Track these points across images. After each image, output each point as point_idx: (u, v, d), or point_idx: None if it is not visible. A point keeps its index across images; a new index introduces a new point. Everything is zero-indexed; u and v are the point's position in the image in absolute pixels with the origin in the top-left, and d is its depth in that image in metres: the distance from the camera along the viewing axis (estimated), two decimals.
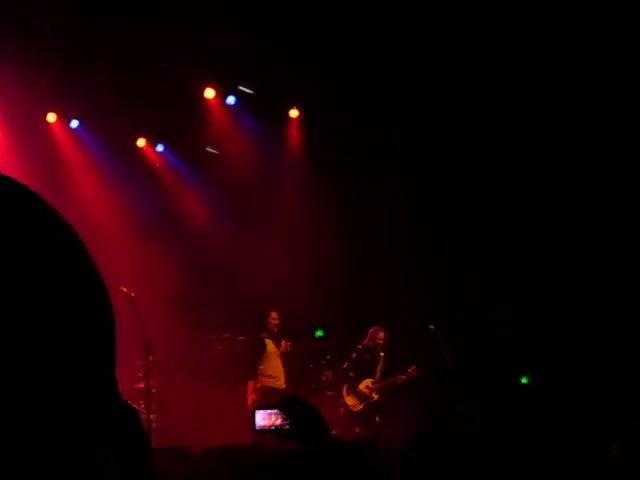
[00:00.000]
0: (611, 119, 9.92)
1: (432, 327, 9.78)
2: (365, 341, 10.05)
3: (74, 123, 11.70)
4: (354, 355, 10.01)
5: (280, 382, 10.08)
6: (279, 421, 2.70)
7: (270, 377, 10.07)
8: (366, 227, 11.58)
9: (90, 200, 11.70)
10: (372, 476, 2.62)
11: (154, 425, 9.44)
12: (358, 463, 2.54)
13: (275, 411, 2.69)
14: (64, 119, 11.63)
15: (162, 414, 10.10)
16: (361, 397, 9.88)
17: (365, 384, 9.92)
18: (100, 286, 0.90)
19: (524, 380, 10.58)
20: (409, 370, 9.89)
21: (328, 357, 11.27)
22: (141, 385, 9.81)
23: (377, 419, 9.72)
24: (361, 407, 9.83)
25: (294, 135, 12.56)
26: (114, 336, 0.88)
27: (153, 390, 9.67)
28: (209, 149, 12.56)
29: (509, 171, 10.63)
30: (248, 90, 11.69)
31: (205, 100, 11.93)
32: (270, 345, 10.24)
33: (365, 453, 2.64)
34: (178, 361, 11.22)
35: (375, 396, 9.90)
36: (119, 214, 11.83)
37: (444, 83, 10.38)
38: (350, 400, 9.87)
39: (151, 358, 9.63)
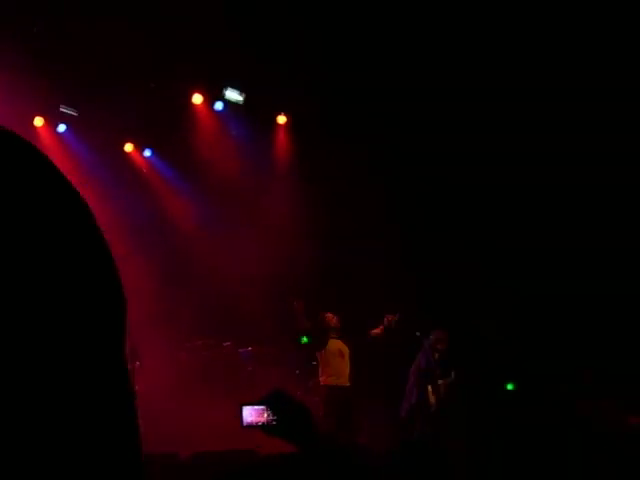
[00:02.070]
0: (607, 126, 9.97)
1: (418, 334, 9.79)
2: (434, 340, 9.84)
3: (61, 127, 11.67)
4: (437, 355, 9.82)
5: (344, 380, 10.02)
6: (267, 417, 2.69)
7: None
8: (354, 233, 11.59)
9: None
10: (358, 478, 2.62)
11: (141, 430, 9.39)
12: (345, 464, 2.55)
13: (262, 407, 2.68)
14: (51, 124, 11.60)
15: (148, 419, 10.04)
16: (438, 398, 9.75)
17: (441, 384, 9.81)
18: (109, 260, 0.84)
19: (510, 386, 10.60)
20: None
21: (314, 363, 11.27)
22: None
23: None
24: (436, 408, 9.72)
25: (282, 141, 12.58)
26: (124, 316, 0.83)
27: (139, 395, 9.64)
28: (195, 154, 12.52)
29: (500, 176, 10.69)
30: (236, 97, 11.68)
31: (193, 105, 11.93)
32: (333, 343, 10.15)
33: (353, 456, 2.65)
34: (164, 366, 11.19)
35: (444, 397, 9.80)
36: (106, 219, 11.79)
37: (432, 89, 10.41)
38: (433, 399, 9.76)
39: (137, 363, 9.62)
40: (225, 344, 11.62)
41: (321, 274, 11.31)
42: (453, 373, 9.74)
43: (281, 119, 12.32)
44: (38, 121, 11.44)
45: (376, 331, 9.98)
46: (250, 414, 2.66)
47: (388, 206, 11.34)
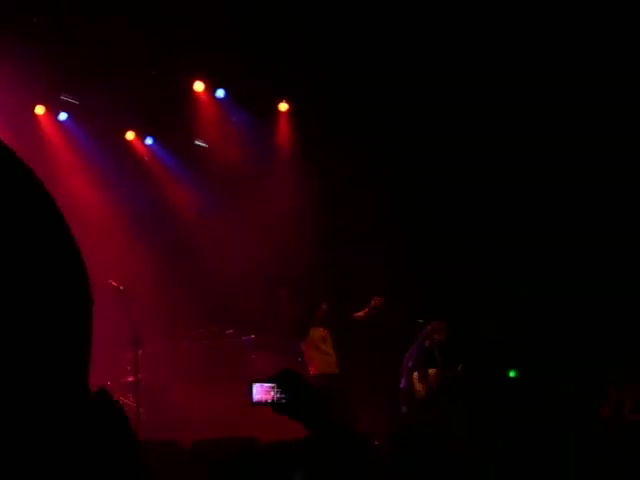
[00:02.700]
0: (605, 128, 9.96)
1: (421, 322, 9.80)
2: (425, 335, 9.86)
3: (62, 116, 11.65)
4: (428, 343, 9.81)
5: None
6: (276, 395, 2.72)
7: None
8: (356, 221, 11.59)
9: (78, 193, 11.66)
10: (364, 465, 2.63)
11: (143, 418, 9.44)
12: (354, 447, 2.57)
13: (272, 385, 2.72)
14: (52, 112, 11.58)
15: (151, 407, 10.09)
16: (427, 386, 9.74)
17: (432, 373, 9.82)
18: (75, 257, 0.81)
19: (512, 374, 10.61)
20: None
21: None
22: (130, 378, 9.81)
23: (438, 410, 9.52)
24: (424, 395, 9.72)
25: (283, 129, 12.55)
26: (90, 318, 0.81)
27: (142, 383, 9.67)
28: (198, 142, 12.53)
29: (500, 176, 10.68)
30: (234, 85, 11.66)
31: (194, 93, 11.90)
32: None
33: (358, 438, 2.67)
34: (167, 354, 11.22)
35: (435, 386, 9.79)
36: (107, 207, 11.81)
37: (433, 85, 10.39)
38: (418, 386, 9.76)
39: (140, 351, 9.64)
40: (227, 332, 11.63)
41: (321, 264, 11.32)
42: (460, 366, 9.73)
43: (283, 106, 12.29)
44: (39, 109, 11.42)
45: (360, 314, 9.95)
46: (259, 392, 2.69)
47: (389, 201, 11.36)
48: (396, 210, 11.37)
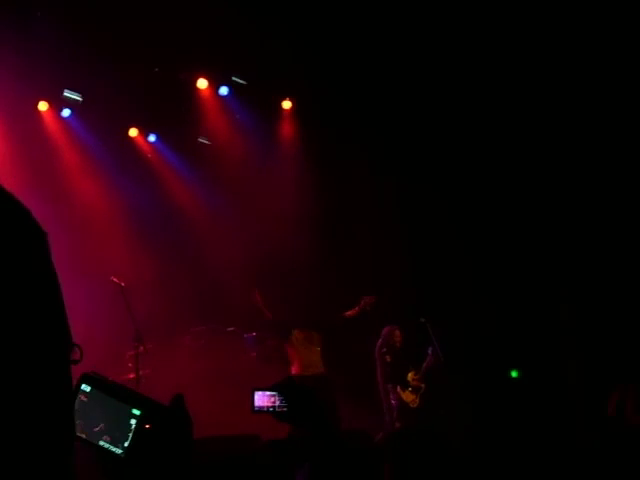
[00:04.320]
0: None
1: (423, 320, 9.77)
2: (380, 342, 9.81)
3: (66, 112, 11.64)
4: (389, 359, 9.76)
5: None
6: (277, 403, 2.71)
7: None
8: (359, 219, 11.59)
9: (81, 189, 11.66)
10: (363, 466, 2.63)
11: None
12: (350, 452, 2.55)
13: (274, 392, 2.71)
14: (56, 108, 11.58)
15: None
16: (415, 390, 9.69)
17: (411, 377, 9.76)
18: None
19: (514, 374, 10.60)
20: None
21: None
22: (131, 375, 9.81)
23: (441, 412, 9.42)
24: (418, 401, 9.64)
25: (287, 126, 12.54)
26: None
27: (143, 380, 9.66)
28: (201, 139, 12.52)
29: (498, 169, 10.67)
30: (240, 80, 11.66)
31: (197, 90, 11.89)
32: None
33: (358, 443, 2.67)
34: (168, 351, 11.20)
35: (422, 385, 9.73)
36: (110, 203, 11.80)
37: (437, 78, 10.38)
38: (408, 397, 9.69)
39: (141, 348, 9.63)
40: (229, 329, 11.62)
41: (322, 263, 11.31)
42: (430, 349, 9.60)
43: (286, 104, 12.28)
44: (42, 105, 11.41)
45: (350, 313, 9.88)
46: (261, 399, 2.69)
47: (392, 199, 11.35)
48: (399, 208, 11.36)
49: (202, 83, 11.78)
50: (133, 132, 12.30)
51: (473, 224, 11.04)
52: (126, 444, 1.36)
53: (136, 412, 1.32)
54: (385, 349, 9.74)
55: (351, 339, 10.38)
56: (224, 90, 11.93)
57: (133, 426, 1.33)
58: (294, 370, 9.72)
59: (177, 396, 0.91)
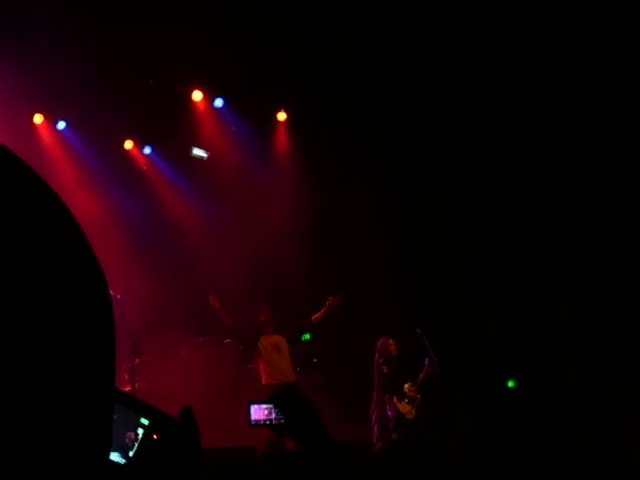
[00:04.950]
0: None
1: (419, 330, 9.76)
2: (377, 356, 9.80)
3: (61, 125, 11.64)
4: (385, 370, 9.74)
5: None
6: (274, 415, 2.70)
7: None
8: (353, 229, 11.59)
9: (76, 201, 11.64)
10: (361, 476, 2.62)
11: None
12: (349, 463, 2.55)
13: (271, 405, 2.70)
14: (51, 121, 11.58)
15: None
16: (411, 401, 9.66)
17: (407, 388, 9.73)
18: (100, 282, 0.82)
19: (511, 384, 10.59)
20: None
21: (315, 360, 11.28)
22: (127, 387, 9.77)
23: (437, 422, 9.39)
24: (414, 412, 9.61)
25: (282, 138, 12.56)
26: (113, 339, 0.82)
27: (139, 392, 9.62)
28: (196, 151, 12.49)
29: (497, 172, 10.68)
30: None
31: (192, 102, 11.91)
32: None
33: (356, 455, 2.66)
34: (164, 363, 11.18)
35: (418, 396, 9.71)
36: (105, 215, 11.78)
37: (432, 85, 10.40)
38: (404, 408, 9.66)
39: (137, 360, 9.60)
40: (225, 341, 11.60)
41: (317, 273, 11.31)
42: (427, 360, 9.60)
43: (281, 116, 12.30)
44: (38, 118, 11.41)
45: (317, 316, 9.89)
46: (257, 412, 2.67)
47: (387, 209, 11.36)
48: (394, 218, 11.36)
49: (197, 95, 11.80)
50: (128, 144, 12.31)
51: (472, 225, 11.03)
52: (130, 454, 1.37)
53: (144, 422, 1.32)
54: (382, 360, 9.73)
55: (335, 348, 10.39)
56: (219, 102, 11.96)
57: (140, 436, 1.34)
58: (264, 380, 9.69)
59: (186, 408, 0.93)
